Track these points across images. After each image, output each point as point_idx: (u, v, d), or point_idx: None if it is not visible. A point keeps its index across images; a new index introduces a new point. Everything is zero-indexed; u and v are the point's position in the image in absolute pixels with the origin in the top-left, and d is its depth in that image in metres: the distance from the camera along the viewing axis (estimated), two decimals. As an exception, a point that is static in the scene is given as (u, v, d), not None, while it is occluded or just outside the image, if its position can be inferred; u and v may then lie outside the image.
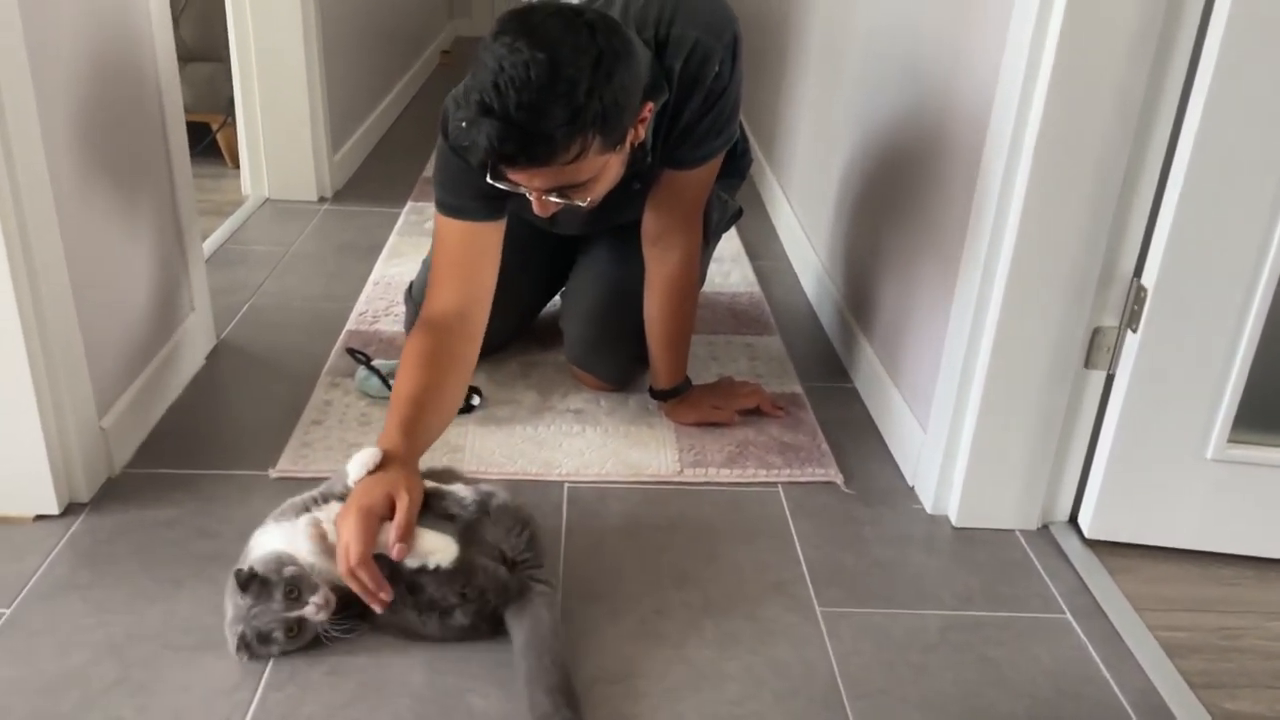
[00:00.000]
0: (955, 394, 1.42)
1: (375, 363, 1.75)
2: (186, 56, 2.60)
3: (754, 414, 1.72)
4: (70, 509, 1.41)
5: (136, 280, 1.62)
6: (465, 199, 1.43)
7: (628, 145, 1.28)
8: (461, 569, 1.17)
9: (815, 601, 1.31)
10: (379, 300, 2.13)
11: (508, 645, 1.19)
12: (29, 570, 1.30)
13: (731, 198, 1.84)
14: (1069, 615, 1.31)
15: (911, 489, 1.57)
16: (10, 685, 1.12)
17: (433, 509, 1.22)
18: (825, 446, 1.65)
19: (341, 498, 1.22)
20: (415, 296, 1.83)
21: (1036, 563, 1.41)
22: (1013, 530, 1.48)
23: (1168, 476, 1.40)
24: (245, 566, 1.15)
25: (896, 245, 1.74)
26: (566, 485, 1.53)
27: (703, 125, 1.45)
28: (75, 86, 1.40)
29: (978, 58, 1.42)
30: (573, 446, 1.63)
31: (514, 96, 1.13)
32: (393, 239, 2.48)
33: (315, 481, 1.34)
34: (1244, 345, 1.31)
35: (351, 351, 1.81)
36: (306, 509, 1.23)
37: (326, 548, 1.18)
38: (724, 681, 1.17)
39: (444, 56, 4.73)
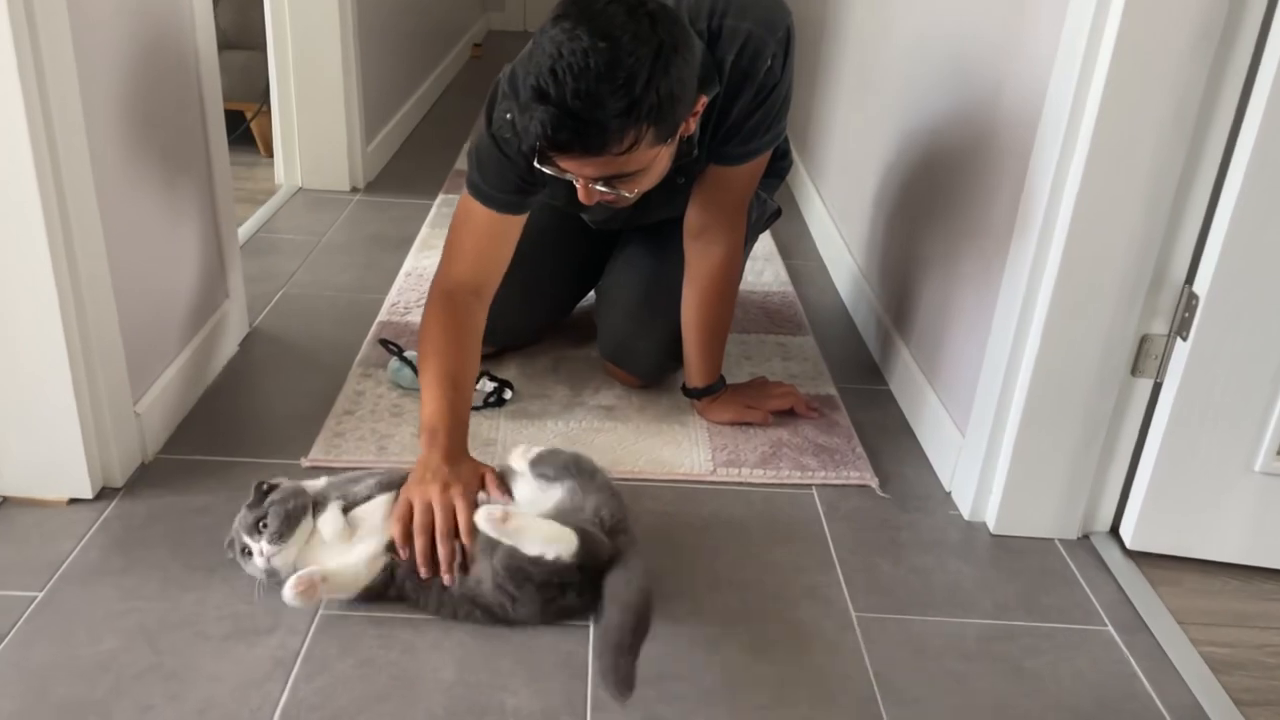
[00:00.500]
0: (997, 399, 1.40)
1: (407, 354, 1.74)
2: (223, 44, 2.59)
3: (788, 415, 1.70)
4: (103, 493, 1.41)
5: (174, 266, 1.62)
6: (495, 189, 1.43)
7: (678, 137, 1.27)
8: (580, 554, 1.16)
9: (851, 607, 1.29)
10: (410, 292, 2.12)
11: (539, 642, 1.18)
12: (62, 554, 1.30)
13: (770, 197, 1.82)
14: (1110, 628, 1.29)
15: (948, 494, 1.54)
16: (44, 669, 1.12)
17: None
18: (860, 449, 1.63)
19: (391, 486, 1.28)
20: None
21: (1077, 573, 1.38)
22: (1052, 539, 1.45)
23: (1213, 488, 1.37)
24: (272, 483, 1.25)
25: (937, 246, 1.71)
26: (599, 482, 1.52)
27: (752, 121, 1.43)
28: (117, 71, 1.40)
29: (1029, 57, 1.39)
30: (604, 443, 1.61)
31: (571, 84, 1.12)
32: (424, 231, 2.47)
33: (347, 471, 1.34)
34: (1297, 356, 1.28)
35: (384, 342, 1.80)
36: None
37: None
38: (759, 686, 1.16)
39: (476, 50, 4.72)
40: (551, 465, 1.28)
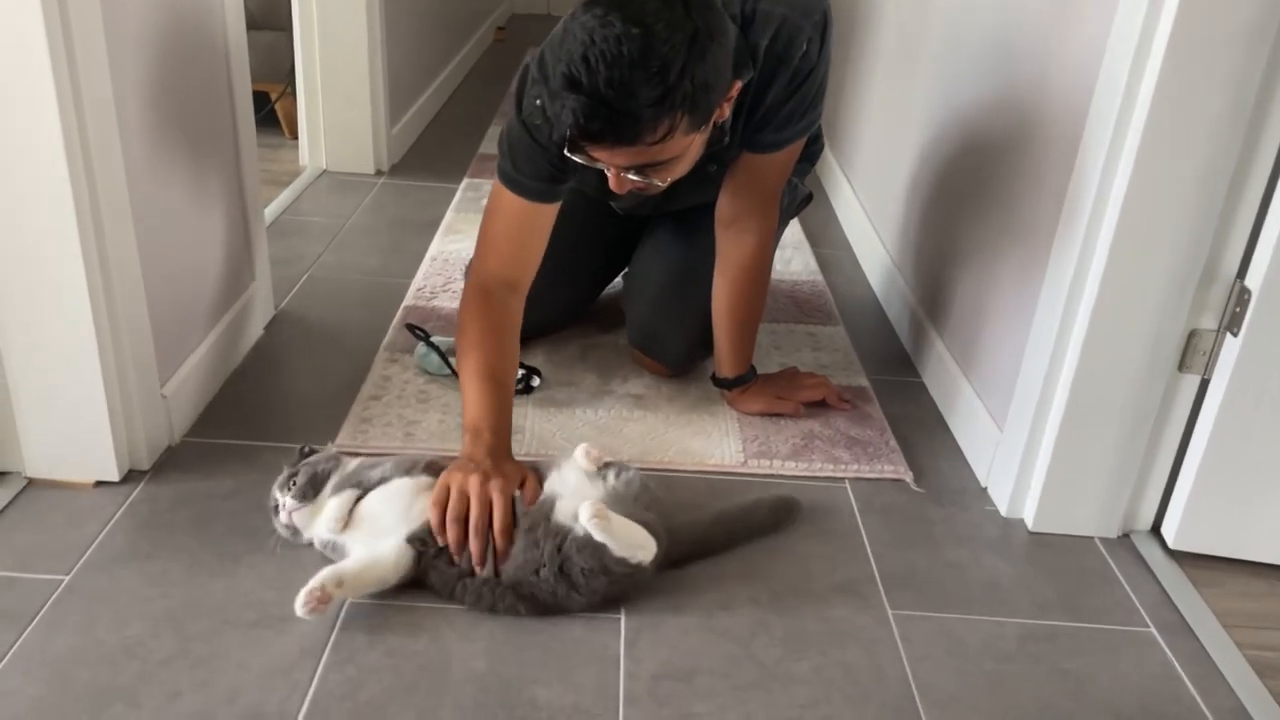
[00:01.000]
0: (1039, 393, 1.36)
1: (434, 339, 1.72)
2: (249, 24, 2.58)
3: (819, 406, 1.67)
4: (130, 476, 1.40)
5: (201, 247, 1.60)
6: (527, 177, 1.40)
7: (711, 124, 1.24)
8: (657, 559, 1.20)
9: (886, 603, 1.27)
10: (436, 276, 2.10)
11: (570, 634, 1.17)
12: (88, 537, 1.28)
13: (801, 182, 1.79)
14: (1153, 629, 1.26)
15: (984, 489, 1.51)
16: (70, 654, 1.11)
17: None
18: (893, 442, 1.60)
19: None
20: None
21: (1118, 572, 1.35)
22: (1092, 538, 1.42)
23: (1260, 488, 1.33)
24: (314, 447, 1.31)
25: (976, 235, 1.67)
26: (628, 472, 1.49)
27: (787, 108, 1.40)
28: (147, 51, 1.38)
29: (1078, 43, 1.35)
30: (633, 432, 1.59)
31: (604, 73, 1.09)
32: (449, 215, 2.45)
33: (374, 456, 1.32)
34: (1352, 354, 1.24)
35: (410, 327, 1.78)
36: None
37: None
38: (793, 683, 1.13)
39: (499, 33, 4.69)
40: (619, 469, 1.29)
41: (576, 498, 1.20)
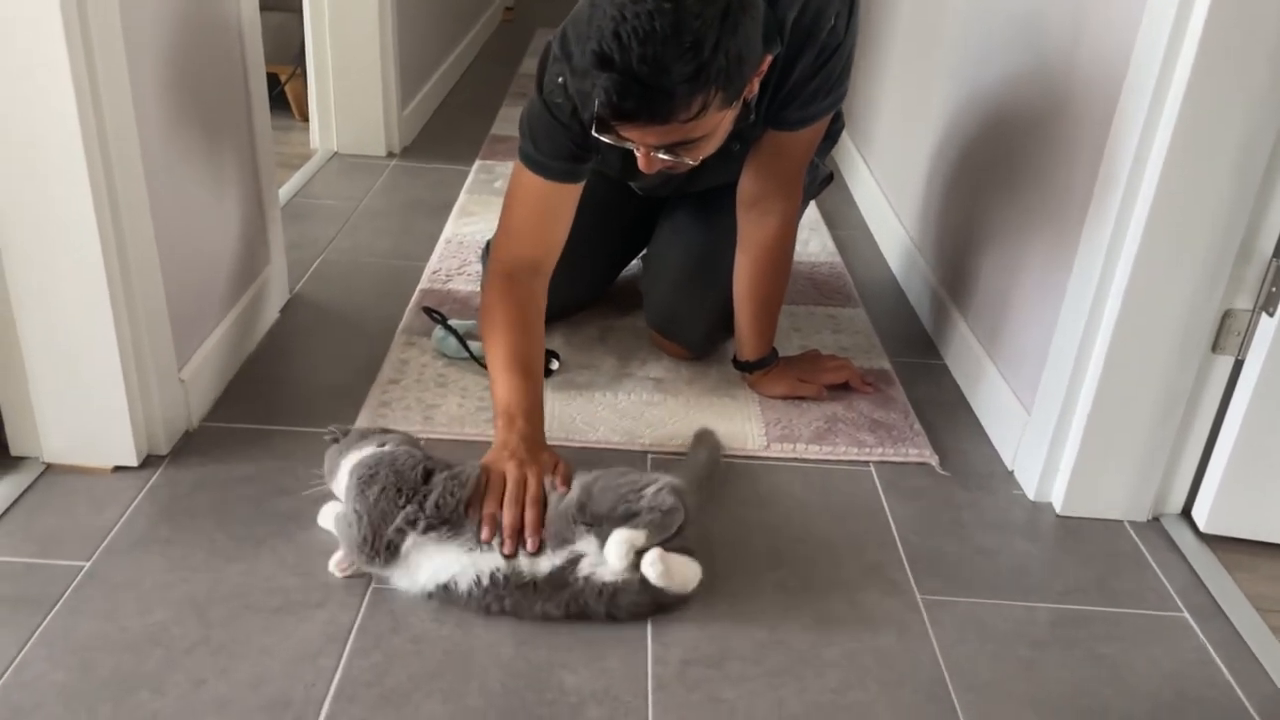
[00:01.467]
0: (1069, 375, 1.34)
1: (451, 322, 1.71)
2: (259, 4, 2.55)
3: (842, 389, 1.65)
4: (148, 461, 1.39)
5: (217, 230, 1.59)
6: (549, 158, 1.38)
7: (742, 100, 1.21)
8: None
9: (915, 588, 1.25)
10: (451, 259, 2.08)
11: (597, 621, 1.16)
12: (108, 523, 1.27)
13: (822, 162, 1.77)
14: (1186, 613, 1.24)
15: (1010, 473, 1.49)
16: (93, 640, 1.10)
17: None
18: (918, 425, 1.58)
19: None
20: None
21: (1149, 556, 1.33)
22: (1121, 521, 1.40)
23: (1294, 471, 1.31)
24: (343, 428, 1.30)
25: (1002, 215, 1.65)
26: (650, 456, 1.48)
27: (813, 84, 1.37)
28: (162, 33, 1.36)
29: (1112, 13, 1.32)
30: (654, 416, 1.57)
31: (637, 49, 1.06)
32: (462, 198, 2.43)
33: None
34: (1392, 334, 1.22)
35: (428, 311, 1.76)
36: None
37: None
38: (825, 668, 1.12)
39: (508, 14, 4.65)
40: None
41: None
